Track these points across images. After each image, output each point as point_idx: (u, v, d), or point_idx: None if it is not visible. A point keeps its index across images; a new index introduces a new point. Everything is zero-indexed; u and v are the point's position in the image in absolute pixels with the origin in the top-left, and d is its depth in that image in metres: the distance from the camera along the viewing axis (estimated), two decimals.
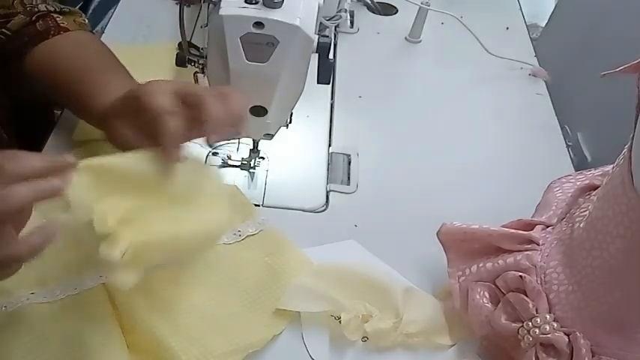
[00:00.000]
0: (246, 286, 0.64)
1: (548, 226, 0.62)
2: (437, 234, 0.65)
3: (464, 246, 0.63)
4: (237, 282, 0.64)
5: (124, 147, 0.56)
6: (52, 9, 0.74)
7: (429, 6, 0.99)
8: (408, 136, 0.87)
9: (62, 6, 0.76)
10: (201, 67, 0.64)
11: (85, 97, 0.65)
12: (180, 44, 0.63)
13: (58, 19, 0.74)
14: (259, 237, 0.68)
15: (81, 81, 0.67)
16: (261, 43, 0.56)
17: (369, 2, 1.10)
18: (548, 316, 0.56)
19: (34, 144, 0.77)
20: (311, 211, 0.74)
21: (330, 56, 0.60)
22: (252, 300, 0.63)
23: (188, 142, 0.53)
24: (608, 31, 1.01)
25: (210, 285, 0.63)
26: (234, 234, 0.68)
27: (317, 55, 0.60)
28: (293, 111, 0.68)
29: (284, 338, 0.61)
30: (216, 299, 0.62)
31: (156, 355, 0.57)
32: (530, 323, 0.56)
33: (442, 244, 0.65)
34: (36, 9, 0.73)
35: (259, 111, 0.63)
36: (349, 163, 0.82)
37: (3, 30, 0.71)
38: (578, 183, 0.65)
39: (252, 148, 0.73)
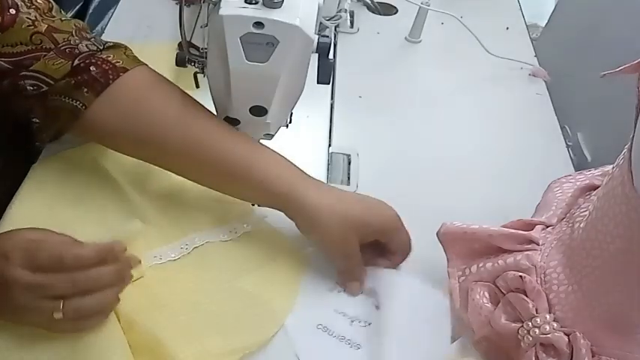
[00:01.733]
0: (244, 285, 0.64)
1: (548, 226, 0.62)
2: (437, 234, 0.64)
3: (464, 246, 0.63)
4: (234, 281, 0.64)
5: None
6: (95, 47, 0.64)
7: (429, 6, 0.99)
8: (408, 136, 0.87)
9: (102, 40, 0.67)
10: (201, 67, 0.64)
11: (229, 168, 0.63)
12: (180, 44, 0.63)
13: (108, 57, 0.64)
14: (258, 237, 0.68)
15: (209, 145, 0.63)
16: (261, 43, 0.56)
17: (369, 2, 1.10)
18: (548, 316, 0.56)
19: (33, 144, 0.77)
20: None
21: (330, 56, 0.60)
22: (249, 300, 0.63)
23: None
24: (608, 31, 1.00)
25: (207, 284, 0.63)
26: (230, 231, 0.68)
27: (317, 55, 0.60)
28: (293, 111, 0.68)
29: (282, 338, 0.61)
30: (213, 298, 0.62)
31: (153, 354, 0.56)
32: (530, 323, 0.56)
33: (442, 244, 0.64)
34: (76, 50, 0.63)
35: (259, 111, 0.63)
36: (349, 163, 0.82)
37: (33, 74, 0.61)
38: (578, 183, 0.65)
39: None
